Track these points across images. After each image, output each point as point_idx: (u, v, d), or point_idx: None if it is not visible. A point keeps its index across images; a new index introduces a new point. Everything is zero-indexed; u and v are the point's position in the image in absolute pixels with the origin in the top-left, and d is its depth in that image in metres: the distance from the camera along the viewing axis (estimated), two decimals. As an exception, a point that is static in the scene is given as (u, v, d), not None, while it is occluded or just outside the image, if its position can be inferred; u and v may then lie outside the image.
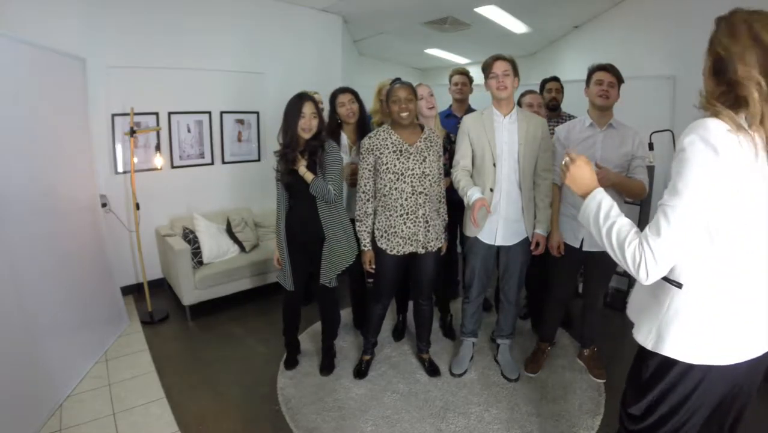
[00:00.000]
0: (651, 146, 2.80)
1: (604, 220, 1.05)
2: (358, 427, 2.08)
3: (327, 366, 2.50)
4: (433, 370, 2.47)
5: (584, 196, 1.15)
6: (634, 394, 1.17)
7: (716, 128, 0.92)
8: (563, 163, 1.20)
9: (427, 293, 2.37)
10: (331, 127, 2.54)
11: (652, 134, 2.82)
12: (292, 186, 2.25)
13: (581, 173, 1.15)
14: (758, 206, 0.98)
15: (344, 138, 2.57)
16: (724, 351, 1.01)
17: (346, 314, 3.03)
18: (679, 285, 1.03)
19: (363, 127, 2.57)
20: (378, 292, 2.35)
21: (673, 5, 3.10)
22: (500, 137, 2.15)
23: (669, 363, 1.06)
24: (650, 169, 2.87)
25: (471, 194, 2.07)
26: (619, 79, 2.11)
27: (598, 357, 2.49)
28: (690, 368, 1.03)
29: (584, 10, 4.29)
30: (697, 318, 1.02)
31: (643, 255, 0.96)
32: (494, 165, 2.15)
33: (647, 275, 0.97)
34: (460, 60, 7.21)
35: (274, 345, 2.70)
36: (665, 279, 1.04)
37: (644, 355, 1.13)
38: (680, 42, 3.06)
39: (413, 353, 2.63)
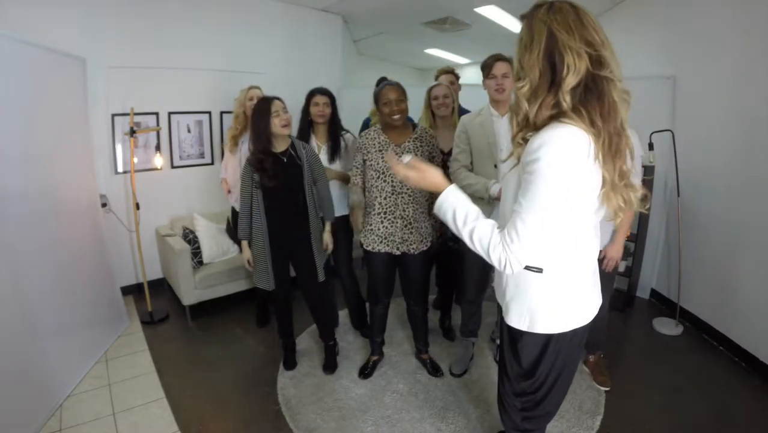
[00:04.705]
0: (651, 146, 2.80)
1: (463, 224, 1.11)
2: (358, 427, 2.08)
3: (330, 364, 2.51)
4: (435, 369, 2.47)
5: (433, 190, 1.18)
6: (516, 369, 1.32)
7: None
8: (399, 164, 1.19)
9: (416, 296, 2.37)
10: (302, 126, 2.58)
11: (652, 134, 2.82)
12: (273, 190, 2.22)
13: (429, 176, 1.16)
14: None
15: (313, 139, 2.60)
16: (578, 318, 1.20)
17: (344, 315, 3.04)
18: (540, 270, 1.15)
19: (333, 131, 2.59)
20: (372, 291, 2.37)
21: (673, 5, 3.10)
22: (500, 138, 2.15)
23: (540, 337, 1.21)
24: (650, 169, 2.88)
25: (491, 186, 2.05)
26: None
27: (603, 364, 2.44)
28: (556, 336, 1.20)
29: (584, 10, 4.29)
30: (556, 296, 1.17)
31: (508, 259, 1.05)
32: (495, 166, 2.15)
33: (512, 271, 1.07)
34: (460, 60, 7.21)
35: (274, 345, 2.71)
36: (526, 268, 1.15)
37: (518, 335, 1.26)
38: (680, 42, 3.06)
39: (413, 353, 2.64)
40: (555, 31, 0.98)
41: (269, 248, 2.30)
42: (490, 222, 1.10)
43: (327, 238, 2.42)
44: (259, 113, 2.16)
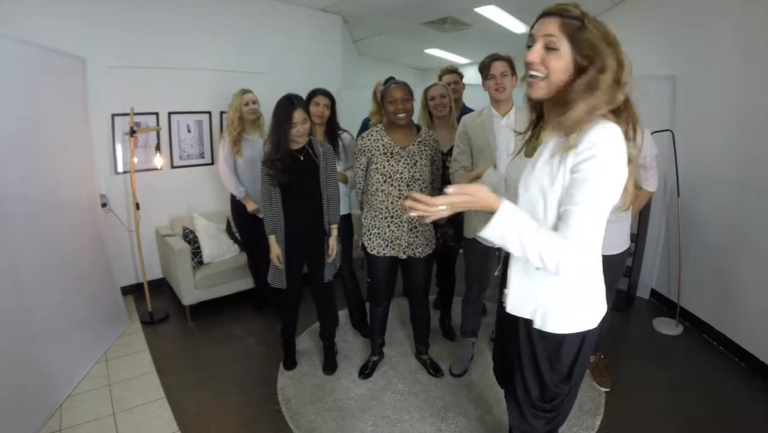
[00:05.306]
0: (651, 146, 2.80)
1: (531, 244, 1.01)
2: (358, 427, 2.08)
3: (330, 365, 2.51)
4: (435, 370, 2.47)
5: (487, 210, 1.05)
6: (557, 375, 1.24)
7: None
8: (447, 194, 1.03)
9: (420, 297, 2.37)
10: None
11: (652, 134, 2.81)
12: (289, 187, 2.23)
13: (482, 196, 1.02)
14: None
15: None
16: (603, 308, 1.23)
17: (344, 315, 3.04)
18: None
19: (330, 133, 2.60)
20: (374, 294, 2.37)
21: (673, 5, 3.10)
22: (500, 138, 2.15)
23: (580, 335, 1.19)
24: (650, 170, 2.88)
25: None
26: None
27: (603, 365, 2.43)
28: (587, 333, 1.20)
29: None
30: (588, 291, 1.19)
31: (576, 266, 1.03)
32: (494, 167, 2.15)
33: (574, 275, 1.08)
34: (460, 60, 7.21)
35: (274, 345, 2.70)
36: None
37: (560, 340, 1.20)
38: (680, 42, 3.06)
39: (413, 354, 2.63)
40: (612, 42, 1.07)
41: (284, 246, 2.30)
42: (547, 232, 1.02)
43: (332, 243, 2.36)
44: (281, 119, 2.11)
